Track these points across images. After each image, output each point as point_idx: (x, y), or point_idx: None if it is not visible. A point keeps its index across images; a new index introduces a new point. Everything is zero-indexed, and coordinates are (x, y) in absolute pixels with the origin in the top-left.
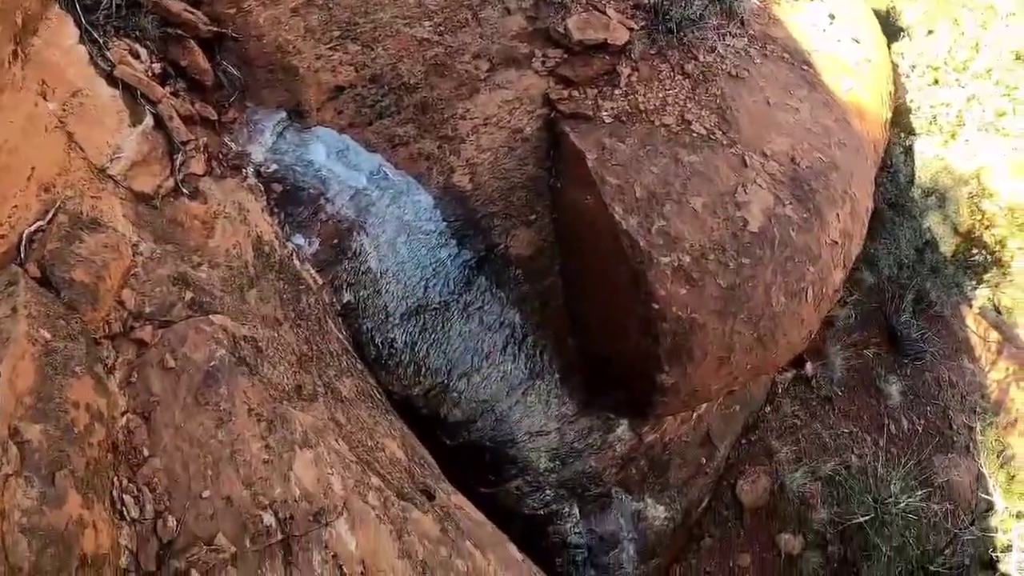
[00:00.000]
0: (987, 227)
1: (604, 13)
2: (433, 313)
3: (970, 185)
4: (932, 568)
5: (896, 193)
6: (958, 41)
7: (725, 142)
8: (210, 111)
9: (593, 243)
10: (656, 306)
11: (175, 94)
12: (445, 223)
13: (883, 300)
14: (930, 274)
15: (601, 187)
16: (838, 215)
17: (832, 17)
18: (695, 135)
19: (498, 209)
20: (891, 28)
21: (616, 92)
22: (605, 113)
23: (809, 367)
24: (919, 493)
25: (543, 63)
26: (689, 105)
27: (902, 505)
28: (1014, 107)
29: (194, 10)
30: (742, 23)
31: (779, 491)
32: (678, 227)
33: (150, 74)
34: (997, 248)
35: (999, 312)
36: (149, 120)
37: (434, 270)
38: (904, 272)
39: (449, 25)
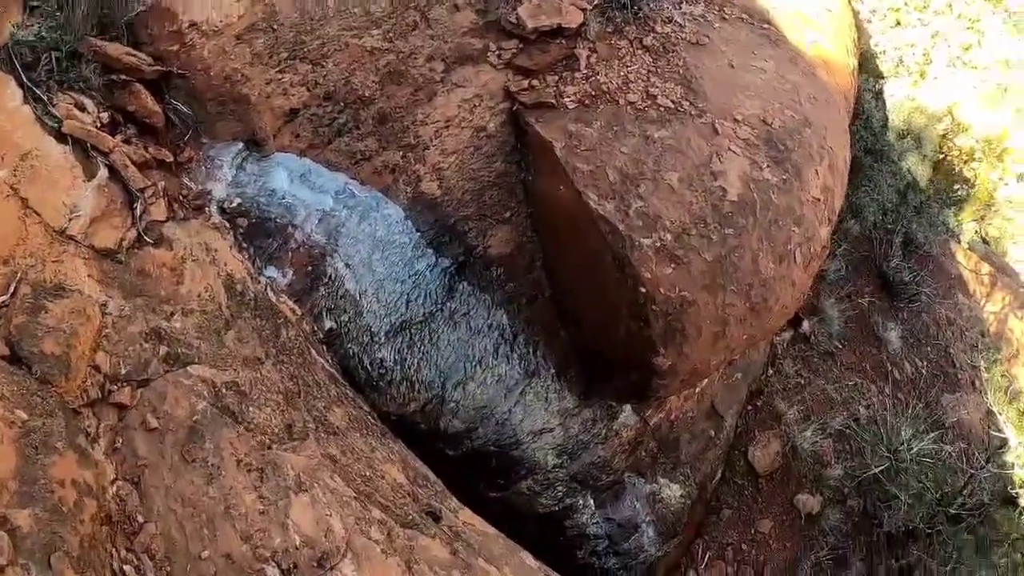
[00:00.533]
0: (966, 161)
1: None
2: (419, 326)
3: (944, 122)
4: (952, 511)
5: (872, 139)
6: None
7: (694, 112)
8: (165, 153)
9: (572, 233)
10: (644, 289)
11: (127, 141)
12: (419, 233)
13: (872, 247)
14: (915, 215)
15: (573, 175)
16: (816, 171)
17: None
18: (662, 109)
19: (471, 211)
20: None
21: (577, 76)
22: (568, 99)
23: (806, 324)
24: (931, 436)
25: (499, 56)
26: (652, 79)
27: (915, 450)
28: (979, 39)
29: (136, 52)
30: None
31: (791, 453)
32: (656, 206)
33: (99, 125)
34: (978, 181)
35: (987, 243)
36: (103, 172)
37: (414, 283)
38: (889, 217)
39: (398, 30)
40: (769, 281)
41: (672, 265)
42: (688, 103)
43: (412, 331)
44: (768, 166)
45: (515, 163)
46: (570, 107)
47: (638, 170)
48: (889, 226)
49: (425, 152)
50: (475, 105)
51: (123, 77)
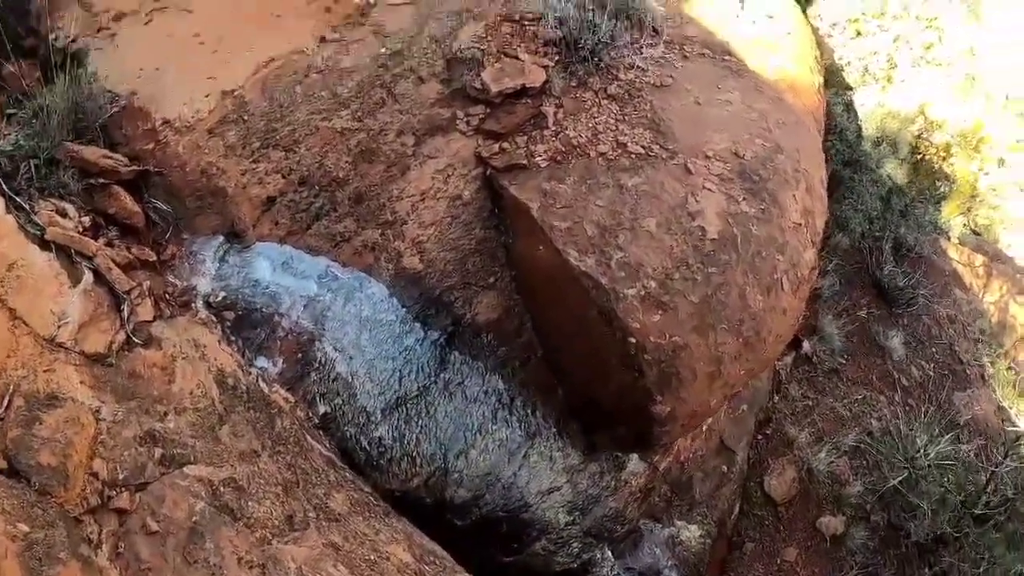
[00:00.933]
0: (944, 158)
1: (517, 58)
2: (414, 401)
3: (917, 122)
4: (978, 511)
5: (848, 151)
6: None
7: (665, 155)
8: (148, 253)
9: (556, 292)
10: (633, 340)
11: (110, 243)
12: (405, 309)
13: (863, 258)
14: (901, 219)
15: (551, 234)
16: (794, 196)
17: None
18: (633, 156)
19: (455, 281)
20: None
21: (546, 133)
22: (539, 158)
23: (806, 345)
24: (946, 438)
25: (467, 123)
26: (621, 127)
27: (932, 455)
28: (939, 36)
29: (112, 154)
30: (655, 31)
31: (808, 476)
32: (637, 255)
33: (81, 229)
34: (958, 175)
35: (978, 234)
36: (88, 277)
37: (405, 359)
38: (876, 225)
39: (367, 109)
40: (759, 314)
41: (659, 312)
42: (658, 146)
43: (408, 406)
44: (745, 198)
45: (494, 227)
46: (542, 166)
47: (615, 221)
48: (877, 234)
49: (403, 227)
50: (449, 175)
51: (101, 180)
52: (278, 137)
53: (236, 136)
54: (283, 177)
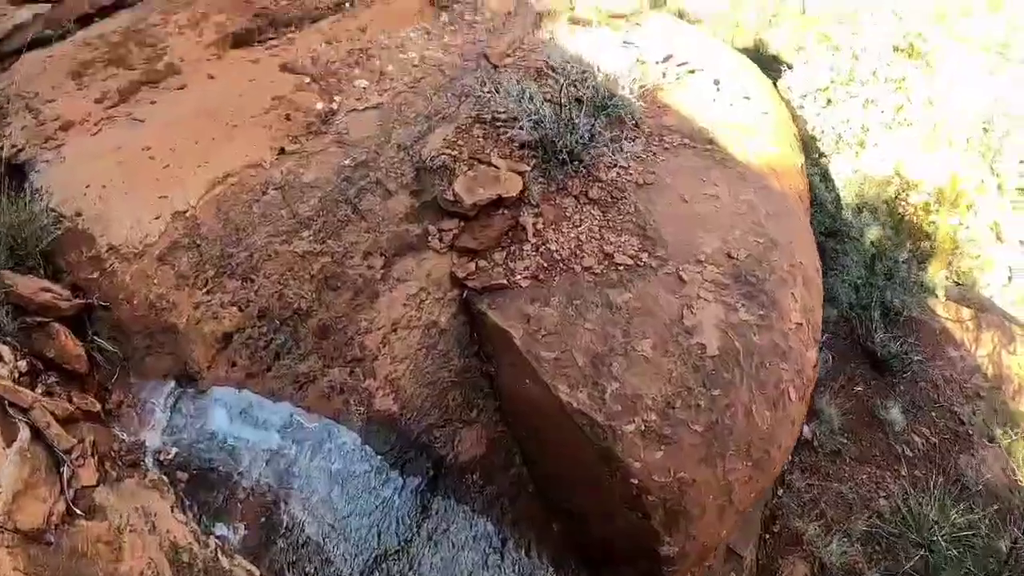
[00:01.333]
0: (923, 217)
1: (491, 164)
2: (396, 556)
3: (893, 184)
4: None
5: (829, 222)
6: (836, 56)
7: (655, 264)
8: (91, 402)
9: (548, 428)
10: (636, 481)
11: (49, 392)
12: (380, 457)
13: (852, 329)
14: (887, 283)
15: (538, 367)
16: (793, 294)
17: (717, 83)
18: (622, 269)
19: (435, 418)
20: (767, 63)
21: (526, 248)
22: (520, 276)
23: (806, 430)
24: (959, 509)
25: (440, 239)
26: (606, 235)
27: (946, 531)
28: (908, 96)
29: (52, 286)
30: (635, 125)
31: (820, 571)
32: (634, 384)
33: (16, 376)
34: (938, 231)
35: (961, 285)
36: (25, 433)
37: (383, 512)
38: (863, 293)
39: (330, 229)
40: (768, 432)
41: (662, 447)
42: (647, 254)
43: (389, 563)
44: (743, 305)
45: (474, 355)
46: (524, 285)
47: (608, 347)
48: (864, 302)
49: (374, 364)
50: (422, 300)
51: (39, 319)
52: (234, 264)
53: (188, 264)
54: (240, 310)
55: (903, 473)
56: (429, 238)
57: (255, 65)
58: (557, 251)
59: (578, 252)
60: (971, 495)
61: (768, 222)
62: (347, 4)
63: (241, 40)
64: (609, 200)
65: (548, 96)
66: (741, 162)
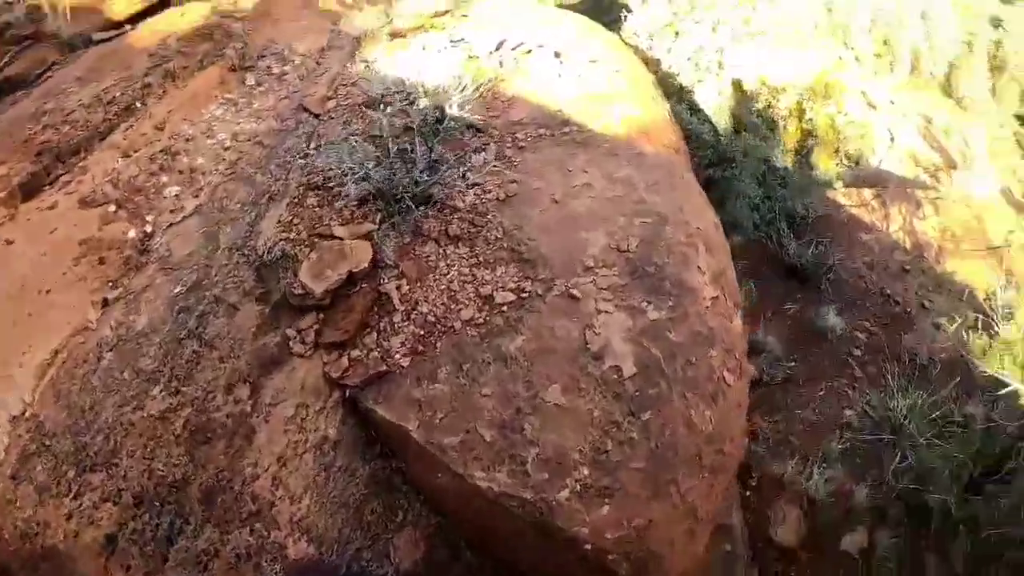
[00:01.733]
0: (799, 118)
1: (332, 236)
2: None
3: (763, 95)
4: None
5: (711, 153)
6: None
7: (540, 290)
8: None
9: (480, 518)
10: (588, 546)
11: None
12: None
13: (765, 248)
14: (784, 192)
15: (444, 457)
16: (699, 267)
17: (558, 55)
18: (506, 309)
19: (360, 542)
20: (608, 12)
21: (396, 319)
22: (399, 355)
23: (752, 370)
24: (922, 394)
25: (302, 341)
26: (479, 273)
27: (917, 420)
28: (753, 6)
29: None
30: (478, 132)
31: (811, 508)
32: (554, 442)
33: None
34: (818, 126)
35: (854, 162)
36: None
37: None
38: (764, 209)
39: (180, 374)
40: (715, 431)
41: (606, 501)
42: (530, 281)
43: None
44: (648, 302)
45: (379, 456)
46: (405, 365)
47: (514, 408)
48: (768, 217)
49: (274, 512)
50: (303, 419)
51: None
52: (92, 453)
53: (45, 471)
54: (114, 504)
55: (858, 375)
56: (291, 344)
57: (53, 212)
58: (431, 312)
59: (453, 305)
60: (927, 373)
61: (651, 195)
62: (138, 104)
63: (31, 188)
64: (472, 230)
65: (378, 134)
66: (606, 135)
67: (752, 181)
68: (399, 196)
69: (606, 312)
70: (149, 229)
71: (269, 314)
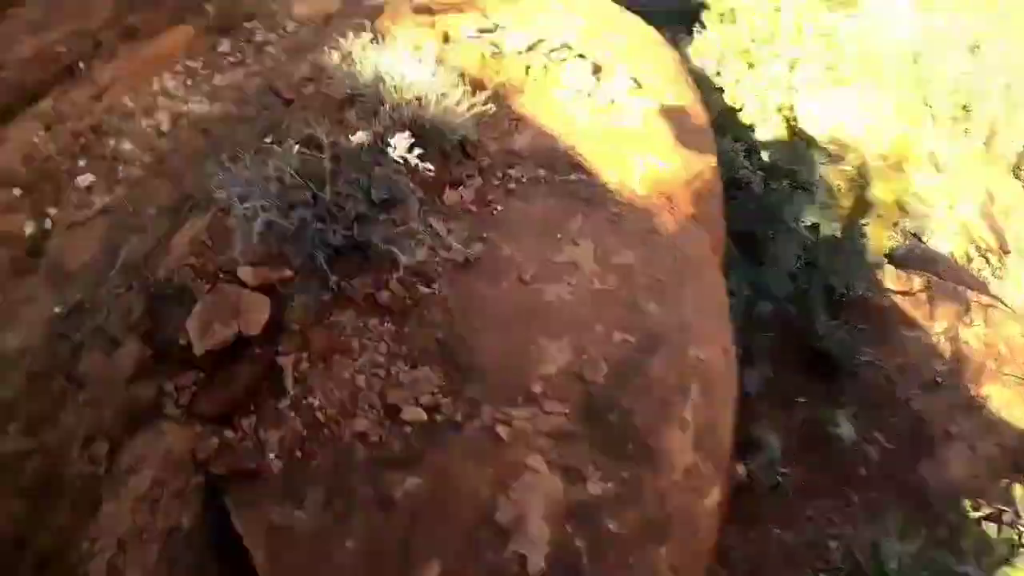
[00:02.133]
0: (860, 183)
1: (235, 280)
2: None
3: (830, 150)
4: None
5: (756, 207)
6: (758, 7)
7: (461, 415)
8: None
9: None
10: None
11: None
12: None
13: (791, 325)
14: (830, 261)
15: None
16: (680, 421)
17: (598, 70)
18: (410, 430)
19: None
20: (683, 18)
21: (283, 405)
22: (272, 455)
23: (740, 470)
24: (921, 536)
25: (176, 401)
26: (395, 369)
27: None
28: (840, 52)
29: None
30: (467, 156)
31: None
32: None
33: None
34: (884, 192)
35: (919, 239)
36: None
37: None
38: (801, 279)
39: (43, 413)
40: None
41: None
42: (452, 397)
43: None
44: (596, 466)
45: (235, 560)
46: (275, 468)
47: None
48: (804, 287)
49: None
50: (156, 499)
51: None
52: None
53: None
54: None
55: (855, 500)
56: (164, 399)
57: None
58: (322, 408)
59: (350, 407)
60: (933, 512)
61: (650, 299)
62: (81, 65)
63: None
64: (407, 304)
65: (336, 145)
66: (618, 194)
67: (796, 246)
68: (326, 241)
69: (534, 470)
70: (48, 225)
71: (151, 358)
